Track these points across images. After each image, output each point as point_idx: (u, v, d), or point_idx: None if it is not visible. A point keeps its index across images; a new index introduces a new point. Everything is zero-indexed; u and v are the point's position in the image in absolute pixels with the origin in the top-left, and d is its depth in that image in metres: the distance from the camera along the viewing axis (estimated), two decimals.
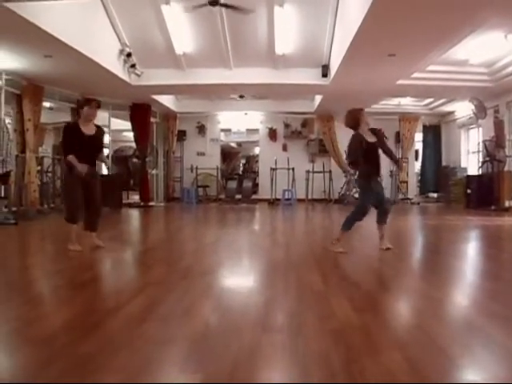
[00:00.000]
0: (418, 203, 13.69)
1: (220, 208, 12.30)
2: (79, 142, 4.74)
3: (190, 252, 5.12)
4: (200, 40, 9.35)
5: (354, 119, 4.89)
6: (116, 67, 9.06)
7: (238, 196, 13.70)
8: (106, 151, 12.99)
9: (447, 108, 13.70)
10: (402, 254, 5.02)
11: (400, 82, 9.67)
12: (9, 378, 1.79)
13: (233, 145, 18.51)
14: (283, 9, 8.24)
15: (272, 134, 14.93)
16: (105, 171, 12.55)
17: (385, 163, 5.25)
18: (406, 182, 14.21)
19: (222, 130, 15.52)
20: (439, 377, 1.82)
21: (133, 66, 9.50)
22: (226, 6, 7.77)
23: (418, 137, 15.16)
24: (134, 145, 13.50)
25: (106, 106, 11.74)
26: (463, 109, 12.75)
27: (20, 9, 5.61)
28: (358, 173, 5.12)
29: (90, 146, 4.84)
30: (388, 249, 4.78)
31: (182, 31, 9.05)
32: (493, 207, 10.61)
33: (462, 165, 13.72)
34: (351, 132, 4.92)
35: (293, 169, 13.62)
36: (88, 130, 4.81)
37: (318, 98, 12.42)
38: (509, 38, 7.65)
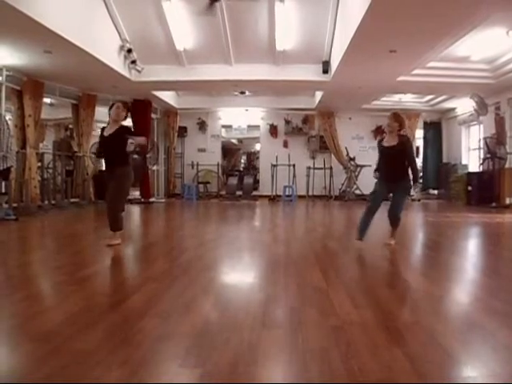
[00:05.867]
0: (419, 200, 13.69)
1: (221, 204, 12.30)
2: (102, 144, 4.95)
3: (190, 248, 5.12)
4: (200, 36, 9.33)
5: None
6: (116, 63, 9.05)
7: (239, 192, 13.70)
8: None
9: (448, 105, 13.67)
10: (403, 250, 5.02)
11: (401, 78, 9.64)
12: (9, 374, 1.80)
13: (233, 141, 18.50)
14: (284, 5, 8.22)
15: (273, 131, 14.92)
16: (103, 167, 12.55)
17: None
18: None
19: (223, 127, 15.51)
20: (439, 373, 1.82)
21: (133, 61, 9.49)
22: None
23: (419, 133, 15.14)
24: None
25: (106, 102, 11.71)
26: (464, 105, 12.72)
27: (20, 4, 5.60)
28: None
29: (109, 146, 4.92)
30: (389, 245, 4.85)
31: (183, 27, 9.03)
32: (493, 204, 10.60)
33: (463, 162, 13.70)
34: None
35: (293, 165, 13.63)
36: (111, 130, 4.92)
37: (319, 95, 12.40)
38: (510, 34, 7.62)
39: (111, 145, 4.86)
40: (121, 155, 4.88)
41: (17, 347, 2.11)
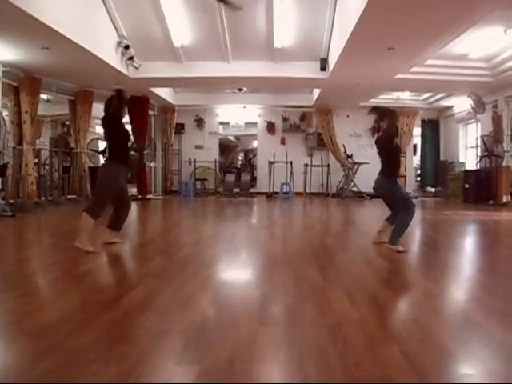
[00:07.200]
0: (416, 197, 13.70)
1: (218, 201, 12.29)
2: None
3: (188, 245, 5.11)
4: (198, 32, 9.30)
5: None
6: (114, 59, 9.01)
7: (236, 189, 13.70)
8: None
9: (446, 103, 13.68)
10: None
11: (399, 76, 9.64)
12: (4, 371, 1.79)
13: (231, 138, 18.48)
14: (282, 1, 8.19)
15: (270, 128, 14.90)
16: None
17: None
18: (405, 177, 14.22)
19: (221, 123, 15.50)
20: (436, 371, 1.82)
21: (131, 58, 9.45)
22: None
23: (417, 131, 15.16)
24: (131, 137, 13.45)
25: (104, 98, 11.66)
26: (462, 103, 12.72)
27: (17, 0, 5.56)
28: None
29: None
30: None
31: (181, 24, 9.00)
32: (491, 202, 10.63)
33: (461, 160, 13.72)
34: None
35: (291, 162, 13.62)
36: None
37: (317, 92, 12.39)
38: (508, 32, 7.63)
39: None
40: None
41: (12, 344, 2.10)
